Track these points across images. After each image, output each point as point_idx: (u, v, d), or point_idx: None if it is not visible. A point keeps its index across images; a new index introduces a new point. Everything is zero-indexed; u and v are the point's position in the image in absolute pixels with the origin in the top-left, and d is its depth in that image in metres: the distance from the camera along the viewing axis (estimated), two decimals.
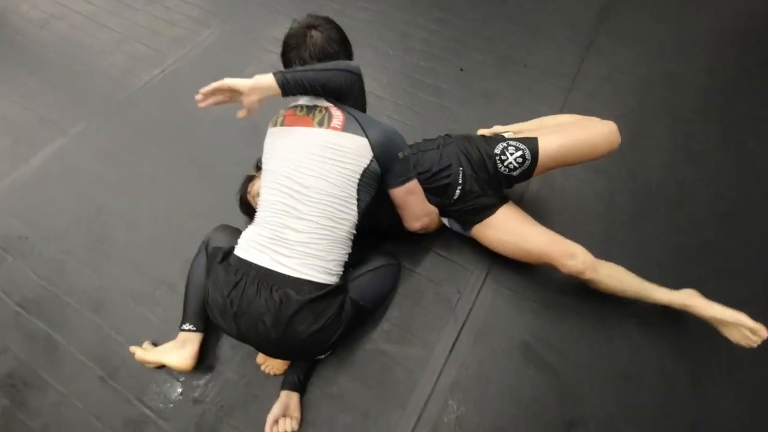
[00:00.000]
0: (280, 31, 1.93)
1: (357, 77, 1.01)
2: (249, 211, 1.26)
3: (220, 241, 1.10)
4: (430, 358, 1.14)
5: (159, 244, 1.34)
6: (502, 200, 1.20)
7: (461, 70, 1.83)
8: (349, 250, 1.01)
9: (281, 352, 0.99)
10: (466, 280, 1.25)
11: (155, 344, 1.14)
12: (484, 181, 1.16)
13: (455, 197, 1.17)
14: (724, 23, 2.06)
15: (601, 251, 1.32)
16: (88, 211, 1.41)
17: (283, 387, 1.06)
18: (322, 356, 1.10)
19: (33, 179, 1.49)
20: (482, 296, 1.23)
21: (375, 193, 1.04)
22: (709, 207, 1.43)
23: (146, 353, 1.08)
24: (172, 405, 1.08)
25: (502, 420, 1.05)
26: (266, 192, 1.00)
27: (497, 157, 1.14)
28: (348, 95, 1.01)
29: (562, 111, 1.68)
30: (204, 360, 1.12)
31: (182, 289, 1.23)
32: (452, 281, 1.25)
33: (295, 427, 1.02)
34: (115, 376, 1.11)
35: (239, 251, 0.96)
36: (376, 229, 1.21)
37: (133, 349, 1.09)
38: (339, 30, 1.09)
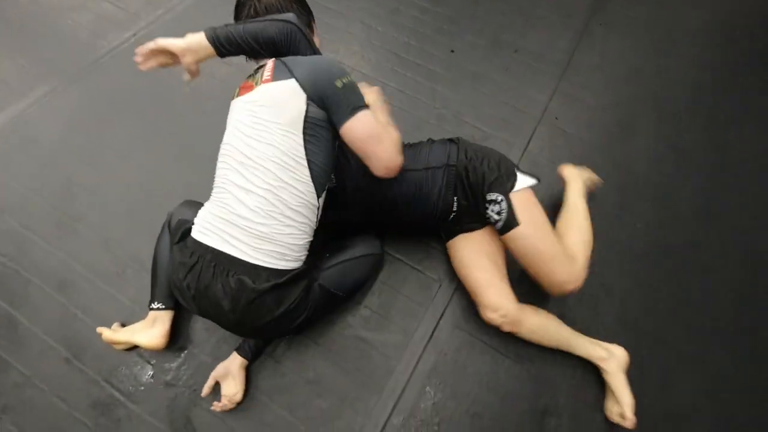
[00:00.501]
0: None
1: (292, 26, 0.90)
2: None
3: (183, 216, 1.03)
4: (408, 344, 1.13)
5: (130, 220, 1.27)
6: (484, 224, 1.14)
7: (452, 51, 1.77)
8: (312, 232, 0.94)
9: (243, 332, 0.97)
10: (447, 269, 1.24)
11: (124, 325, 1.09)
12: (472, 209, 1.11)
13: (449, 219, 1.15)
14: (719, 19, 2.05)
15: None
16: (52, 183, 1.32)
17: (236, 349, 1.05)
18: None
19: None
20: (462, 285, 1.22)
21: (328, 151, 0.91)
22: (692, 203, 1.45)
23: (115, 334, 1.03)
24: (142, 388, 1.05)
25: (477, 407, 1.06)
26: (218, 167, 0.94)
27: (486, 207, 1.06)
28: (285, 47, 0.91)
29: (551, 100, 1.65)
30: (176, 342, 1.09)
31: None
32: (433, 269, 1.24)
33: (236, 389, 1.00)
34: (81, 357, 1.07)
35: (195, 232, 0.90)
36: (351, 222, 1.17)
37: (100, 329, 1.04)
38: None
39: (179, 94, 1.55)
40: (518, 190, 1.04)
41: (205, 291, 0.85)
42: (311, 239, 0.95)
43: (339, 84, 0.87)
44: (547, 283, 1.03)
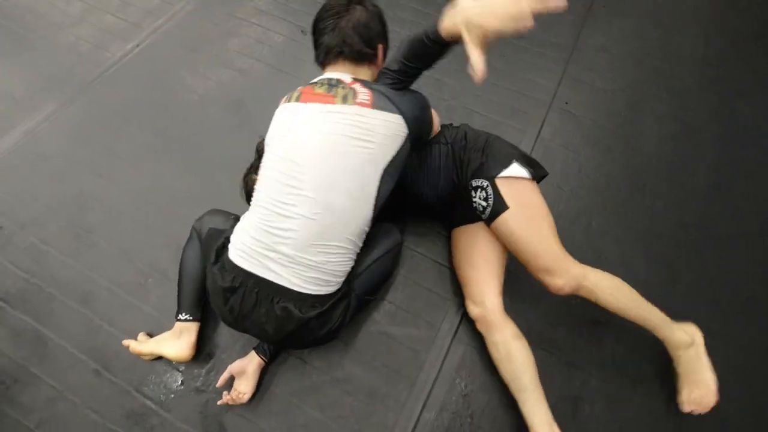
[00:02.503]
0: (262, 2, 1.84)
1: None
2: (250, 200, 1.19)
3: (214, 225, 1.03)
4: (435, 338, 1.13)
5: (148, 230, 1.27)
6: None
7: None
8: (357, 251, 0.93)
9: (284, 346, 1.01)
10: None
11: (150, 335, 1.09)
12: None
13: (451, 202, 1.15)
14: None
15: (602, 226, 1.33)
16: (66, 197, 1.32)
17: (255, 348, 1.04)
18: None
19: (2, 164, 1.38)
20: None
21: (396, 179, 0.91)
22: (707, 178, 1.44)
23: (141, 345, 1.03)
24: (173, 395, 1.05)
25: (509, 397, 1.05)
26: (265, 180, 0.88)
27: (473, 195, 1.05)
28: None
29: (559, 85, 1.64)
30: (204, 348, 1.09)
31: (176, 277, 1.18)
32: None
33: (247, 389, 1.00)
34: (110, 368, 1.07)
35: (234, 256, 0.87)
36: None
37: (126, 342, 1.04)
38: (380, 16, 0.98)
39: (185, 101, 1.54)
40: (507, 177, 1.00)
41: (250, 313, 0.86)
42: (357, 252, 0.94)
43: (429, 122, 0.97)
44: (534, 267, 0.98)
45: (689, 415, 0.99)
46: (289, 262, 0.83)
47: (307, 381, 1.07)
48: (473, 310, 1.07)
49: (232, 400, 1.00)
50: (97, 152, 1.41)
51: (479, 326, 1.07)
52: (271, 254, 0.84)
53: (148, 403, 1.03)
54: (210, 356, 1.09)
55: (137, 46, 1.69)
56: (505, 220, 0.99)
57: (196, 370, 1.08)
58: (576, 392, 1.06)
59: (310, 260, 0.83)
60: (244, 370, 1.02)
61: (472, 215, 1.10)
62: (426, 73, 1.58)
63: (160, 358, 1.07)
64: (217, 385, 1.02)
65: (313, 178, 0.82)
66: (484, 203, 1.02)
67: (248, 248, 0.86)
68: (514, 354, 1.00)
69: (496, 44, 0.76)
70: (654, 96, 1.64)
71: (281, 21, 1.80)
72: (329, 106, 0.85)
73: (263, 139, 0.97)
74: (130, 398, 1.04)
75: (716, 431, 1.03)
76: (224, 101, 1.55)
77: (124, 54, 1.66)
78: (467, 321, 1.15)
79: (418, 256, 1.24)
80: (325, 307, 0.86)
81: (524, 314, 1.16)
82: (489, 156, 1.05)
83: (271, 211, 0.85)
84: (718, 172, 1.46)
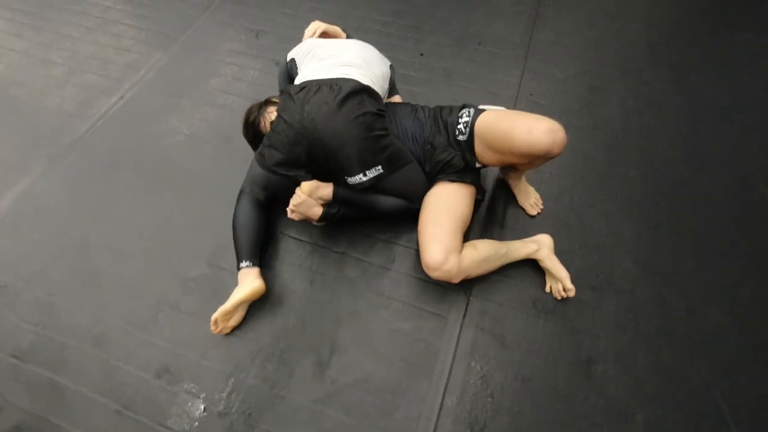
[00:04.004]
0: (234, 44, 1.96)
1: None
2: (256, 140, 1.30)
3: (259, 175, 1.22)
4: (445, 326, 1.16)
5: (152, 265, 1.30)
6: (460, 180, 1.19)
7: (421, 54, 1.88)
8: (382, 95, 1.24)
9: (336, 126, 1.09)
10: None
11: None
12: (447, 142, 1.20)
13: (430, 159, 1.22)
14: None
15: (583, 201, 1.40)
16: (67, 246, 1.34)
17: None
18: (364, 177, 1.15)
19: (2, 224, 1.41)
20: None
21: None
22: (674, 146, 1.54)
23: (222, 309, 1.11)
24: (197, 423, 1.05)
25: (525, 371, 1.09)
26: (308, 68, 1.23)
27: (457, 121, 1.18)
28: None
29: (521, 79, 1.76)
30: (222, 371, 1.11)
31: (186, 307, 1.21)
32: None
33: (307, 201, 1.18)
34: (131, 407, 1.07)
35: (300, 80, 1.19)
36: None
37: (213, 321, 1.12)
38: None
39: (174, 143, 1.61)
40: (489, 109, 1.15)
41: (313, 97, 1.11)
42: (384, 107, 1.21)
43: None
44: (526, 132, 1.01)
45: (694, 362, 1.04)
46: (344, 68, 1.18)
47: (328, 387, 1.08)
48: (433, 273, 1.09)
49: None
50: (94, 201, 1.45)
51: (453, 282, 1.11)
52: (329, 70, 1.18)
53: None
54: (228, 378, 1.10)
55: (121, 98, 1.76)
56: (485, 119, 1.12)
57: (216, 395, 1.09)
58: (586, 355, 1.10)
59: (358, 63, 1.20)
60: (318, 188, 1.18)
61: (449, 177, 1.19)
62: (398, 86, 1.68)
63: (241, 316, 1.17)
64: (300, 187, 1.17)
65: (354, 54, 1.24)
66: (465, 123, 1.15)
67: (308, 74, 1.20)
68: (486, 255, 1.14)
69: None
70: (612, 77, 1.77)
71: (254, 57, 1.90)
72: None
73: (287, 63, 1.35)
74: None
75: (718, 370, 1.07)
76: (212, 137, 1.62)
77: (109, 107, 1.73)
78: (472, 306, 1.19)
79: (416, 252, 1.29)
80: (371, 87, 1.16)
81: (527, 287, 1.21)
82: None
83: (325, 65, 1.21)
84: (682, 139, 1.56)
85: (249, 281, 1.14)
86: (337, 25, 1.47)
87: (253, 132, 1.32)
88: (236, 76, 1.84)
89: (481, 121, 1.12)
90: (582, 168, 1.49)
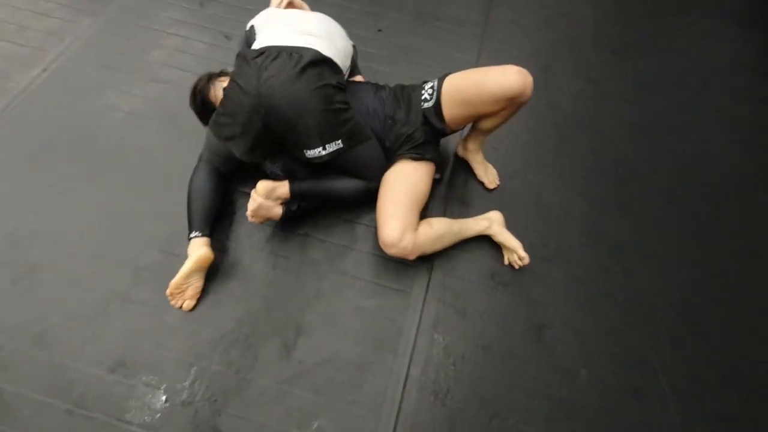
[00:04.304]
0: (176, 12, 1.80)
1: None
2: (204, 111, 1.25)
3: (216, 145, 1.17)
4: (409, 302, 1.20)
5: (98, 256, 1.20)
6: (420, 157, 1.19)
7: (380, 30, 1.83)
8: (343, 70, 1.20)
9: (295, 95, 1.05)
10: None
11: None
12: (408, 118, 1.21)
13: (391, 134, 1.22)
14: None
15: (537, 176, 1.48)
16: None
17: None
18: (324, 151, 1.12)
19: None
20: None
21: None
22: (617, 125, 1.65)
23: (172, 282, 1.09)
24: (159, 414, 1.02)
25: (484, 339, 1.16)
26: (267, 34, 1.17)
27: (421, 92, 1.21)
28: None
29: (479, 58, 1.78)
30: (183, 360, 1.07)
31: (139, 297, 1.16)
32: None
33: (265, 204, 1.14)
34: (83, 404, 1.01)
35: (258, 46, 1.13)
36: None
37: (167, 294, 1.11)
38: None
39: (113, 121, 1.47)
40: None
41: (271, 63, 1.06)
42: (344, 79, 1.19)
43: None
44: (500, 74, 1.08)
45: (634, 324, 1.17)
46: (303, 36, 1.13)
47: (295, 368, 1.09)
48: (389, 249, 1.11)
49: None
50: (22, 188, 1.30)
51: (410, 258, 1.15)
52: (287, 35, 1.13)
53: (134, 429, 1.00)
54: (191, 366, 1.07)
55: (44, 70, 1.57)
56: (450, 82, 1.16)
57: (178, 385, 1.05)
58: (538, 321, 1.19)
59: (319, 34, 1.16)
60: (274, 189, 1.14)
61: (409, 154, 1.20)
62: (359, 63, 1.64)
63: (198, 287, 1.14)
64: (255, 190, 1.12)
65: (317, 25, 1.20)
66: (430, 92, 1.19)
67: (266, 39, 1.14)
68: (441, 233, 1.18)
69: None
70: (561, 58, 1.84)
71: (201, 28, 1.76)
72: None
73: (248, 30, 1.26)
74: (113, 429, 0.99)
75: (654, 329, 1.21)
76: (158, 115, 1.50)
77: (31, 81, 1.54)
78: (434, 281, 1.23)
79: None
80: (331, 59, 1.13)
81: (486, 260, 1.27)
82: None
83: (283, 30, 1.16)
84: (623, 118, 1.67)
85: (195, 249, 1.11)
86: None
87: (201, 101, 1.25)
88: (180, 48, 1.70)
89: (448, 82, 1.16)
90: (534, 146, 1.56)
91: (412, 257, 1.14)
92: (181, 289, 1.11)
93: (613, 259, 1.33)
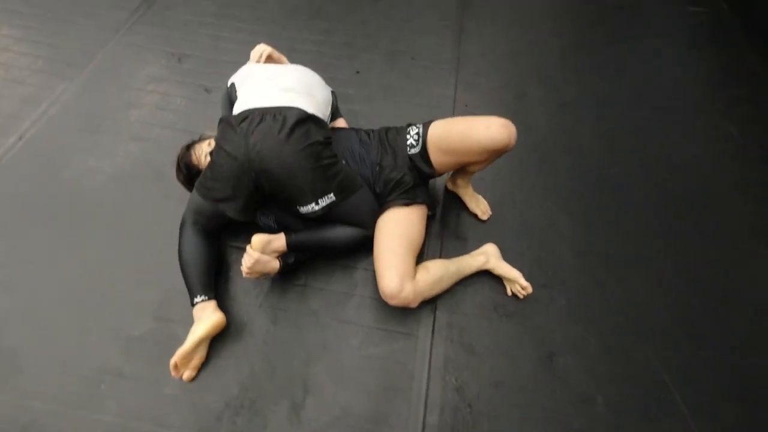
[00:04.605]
0: (154, 69, 1.81)
1: None
2: (191, 180, 1.22)
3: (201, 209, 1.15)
4: (416, 344, 1.18)
5: (85, 331, 1.14)
6: (411, 202, 1.20)
7: (357, 72, 1.89)
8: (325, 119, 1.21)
9: (284, 158, 1.05)
10: None
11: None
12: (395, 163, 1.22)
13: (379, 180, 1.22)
14: None
15: (524, 198, 1.51)
16: None
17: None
18: (317, 206, 1.12)
19: None
20: None
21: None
22: (591, 141, 1.71)
23: (181, 351, 1.02)
24: None
25: (496, 375, 1.14)
26: (248, 91, 1.18)
27: (406, 137, 1.22)
28: None
29: (455, 91, 1.85)
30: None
31: (133, 372, 1.10)
32: None
33: (262, 259, 1.11)
34: None
35: (240, 107, 1.13)
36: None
37: (172, 364, 1.04)
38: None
39: (94, 184, 1.43)
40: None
41: (257, 127, 1.05)
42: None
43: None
44: (485, 128, 1.09)
45: (635, 338, 1.18)
46: (284, 94, 1.15)
47: (306, 429, 1.04)
48: (390, 300, 1.10)
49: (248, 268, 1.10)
50: None
51: (412, 306, 1.13)
52: (268, 94, 1.15)
53: None
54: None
55: (20, 139, 1.53)
56: (435, 128, 1.18)
57: None
58: (547, 350, 1.18)
59: (300, 90, 1.18)
60: (270, 242, 1.13)
61: (400, 201, 1.20)
62: (340, 106, 1.67)
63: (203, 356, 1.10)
64: (251, 245, 1.10)
65: (296, 80, 1.23)
66: (416, 137, 1.20)
67: (247, 100, 1.14)
68: (439, 276, 1.17)
69: None
70: (532, 84, 1.93)
71: (180, 84, 1.77)
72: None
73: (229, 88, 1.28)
74: None
75: (656, 340, 1.22)
76: (140, 174, 1.47)
77: (7, 150, 1.50)
78: (439, 320, 1.22)
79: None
80: (316, 114, 1.15)
81: (487, 293, 1.27)
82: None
83: (263, 87, 1.18)
84: (597, 133, 1.75)
85: (207, 315, 1.08)
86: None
87: (186, 168, 1.25)
88: (160, 106, 1.69)
89: (433, 130, 1.18)
90: (518, 169, 1.60)
91: (414, 305, 1.13)
92: (188, 359, 1.05)
93: (606, 272, 1.34)
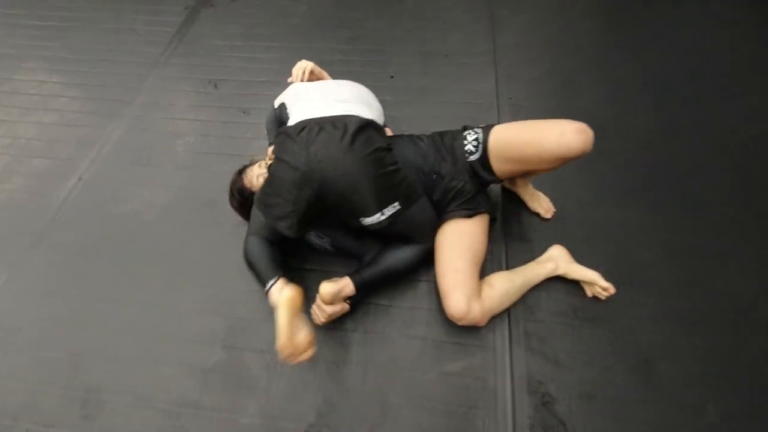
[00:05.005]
0: (193, 98, 1.84)
1: None
2: (245, 204, 1.22)
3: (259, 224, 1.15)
4: (494, 358, 1.10)
5: (159, 364, 1.15)
6: (474, 212, 1.15)
7: (392, 77, 1.84)
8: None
9: (348, 166, 1.01)
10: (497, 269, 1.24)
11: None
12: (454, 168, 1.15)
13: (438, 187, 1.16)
14: None
15: (589, 196, 1.40)
16: (54, 364, 1.16)
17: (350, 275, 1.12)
18: (383, 216, 1.06)
19: None
20: None
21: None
22: (650, 125, 1.58)
23: (279, 345, 0.96)
24: None
25: (586, 386, 1.05)
26: (302, 106, 1.16)
27: (463, 142, 1.15)
28: None
29: (497, 85, 1.76)
30: None
31: (211, 403, 1.09)
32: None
33: (327, 310, 1.08)
34: None
35: (295, 120, 1.11)
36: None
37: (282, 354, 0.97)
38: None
39: (150, 217, 1.46)
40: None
41: (317, 137, 1.03)
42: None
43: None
44: (558, 135, 0.98)
45: (743, 337, 1.05)
46: (341, 104, 1.13)
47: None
48: (458, 322, 1.07)
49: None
50: (73, 304, 1.28)
51: (480, 326, 1.10)
52: (325, 104, 1.13)
53: None
54: None
55: (79, 180, 1.59)
56: (498, 133, 1.09)
57: None
58: (642, 355, 1.08)
59: (355, 98, 1.18)
60: (341, 290, 1.07)
61: (460, 212, 1.15)
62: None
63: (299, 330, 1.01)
64: (321, 297, 1.07)
65: (350, 92, 1.22)
66: (474, 143, 1.12)
67: (304, 111, 1.13)
68: (505, 290, 1.11)
69: None
70: (575, 69, 1.81)
71: (218, 109, 1.79)
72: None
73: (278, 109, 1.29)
74: None
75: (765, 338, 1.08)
76: (192, 203, 1.49)
77: (68, 193, 1.55)
78: (516, 329, 1.14)
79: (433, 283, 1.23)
80: (375, 120, 1.12)
81: (562, 297, 1.18)
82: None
83: (319, 99, 1.17)
84: (655, 116, 1.61)
85: (279, 296, 1.02)
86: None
87: (240, 195, 1.23)
88: (203, 132, 1.72)
89: (496, 136, 1.09)
90: (578, 162, 1.48)
91: (482, 324, 1.08)
92: (292, 344, 0.98)
93: (695, 267, 1.22)
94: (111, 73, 1.97)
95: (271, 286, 1.06)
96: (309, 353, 0.98)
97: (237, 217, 1.41)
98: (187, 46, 2.08)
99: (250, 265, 1.15)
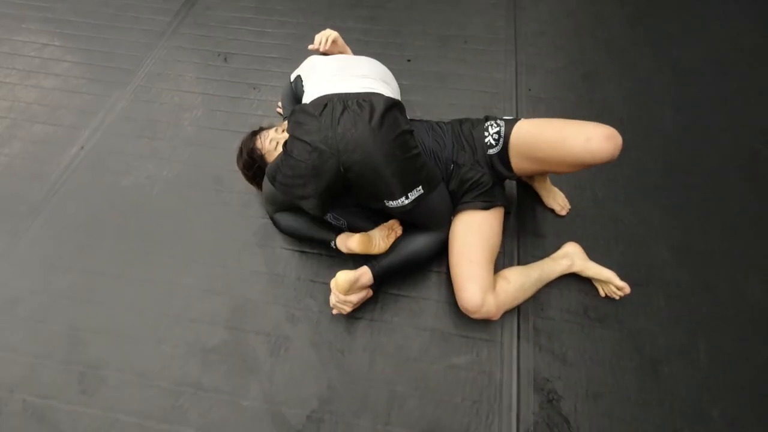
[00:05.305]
0: (202, 71, 1.77)
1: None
2: (250, 167, 1.19)
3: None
4: (501, 353, 1.09)
5: (161, 342, 1.13)
6: (490, 204, 1.12)
7: (408, 60, 1.78)
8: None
9: (377, 149, 0.96)
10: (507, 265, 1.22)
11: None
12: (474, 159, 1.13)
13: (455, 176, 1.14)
14: None
15: (606, 193, 1.37)
16: (54, 337, 1.14)
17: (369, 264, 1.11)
18: (407, 200, 1.03)
19: None
20: None
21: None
22: (674, 122, 1.54)
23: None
24: None
25: (593, 386, 1.04)
26: (320, 79, 1.12)
27: (484, 134, 1.11)
28: None
29: (516, 75, 1.71)
30: None
31: (212, 383, 1.08)
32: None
33: (352, 299, 1.07)
34: None
35: (313, 95, 1.05)
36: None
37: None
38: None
39: (156, 192, 1.42)
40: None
41: (341, 116, 0.97)
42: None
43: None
44: (584, 140, 0.92)
45: (751, 342, 1.03)
46: (361, 79, 1.08)
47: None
48: (472, 314, 1.05)
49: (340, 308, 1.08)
50: (74, 277, 1.25)
51: (493, 320, 1.09)
52: (344, 79, 1.08)
53: None
54: None
55: (81, 149, 1.54)
56: (521, 129, 1.05)
57: None
58: (650, 356, 1.07)
59: (375, 76, 1.14)
60: (359, 278, 1.06)
61: (477, 203, 1.12)
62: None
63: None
64: (337, 286, 1.05)
65: (368, 69, 1.17)
66: (495, 137, 1.08)
67: (322, 86, 1.07)
68: (521, 284, 1.08)
69: None
70: (600, 61, 1.76)
71: (227, 84, 1.73)
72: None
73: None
74: None
75: None
76: (199, 180, 1.45)
77: (69, 161, 1.51)
78: (525, 325, 1.13)
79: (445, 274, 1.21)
80: (401, 103, 1.06)
81: (574, 295, 1.16)
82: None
83: (336, 74, 1.12)
84: (680, 113, 1.57)
85: (348, 242, 1.12)
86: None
87: (249, 156, 1.19)
88: (211, 107, 1.66)
89: (518, 133, 1.04)
90: None
91: (496, 318, 1.06)
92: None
93: (710, 271, 1.20)
94: (116, 39, 1.90)
95: (335, 237, 1.14)
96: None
97: (244, 196, 1.38)
98: (197, 17, 2.00)
99: (299, 236, 1.20)
